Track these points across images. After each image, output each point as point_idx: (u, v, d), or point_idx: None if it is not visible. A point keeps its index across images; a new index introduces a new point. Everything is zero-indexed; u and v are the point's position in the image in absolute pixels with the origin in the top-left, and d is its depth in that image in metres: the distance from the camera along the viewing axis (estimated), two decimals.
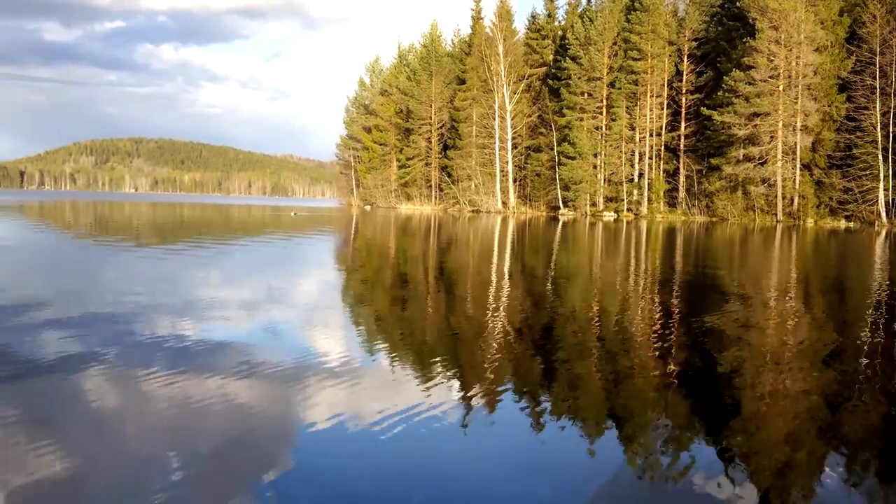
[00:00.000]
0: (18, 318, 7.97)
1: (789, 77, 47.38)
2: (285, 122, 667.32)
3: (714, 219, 51.73)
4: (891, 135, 44.76)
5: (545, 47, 69.53)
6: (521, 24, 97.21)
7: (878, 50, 45.26)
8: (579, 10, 65.86)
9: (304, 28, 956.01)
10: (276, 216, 49.88)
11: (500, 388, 5.71)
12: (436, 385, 5.72)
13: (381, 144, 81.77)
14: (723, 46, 52.02)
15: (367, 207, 77.33)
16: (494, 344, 7.46)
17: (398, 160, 80.00)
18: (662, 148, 58.31)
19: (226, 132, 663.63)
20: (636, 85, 58.02)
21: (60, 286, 11.22)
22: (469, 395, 5.48)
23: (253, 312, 9.06)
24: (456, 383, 5.81)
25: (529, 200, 66.44)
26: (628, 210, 59.28)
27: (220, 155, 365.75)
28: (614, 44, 59.61)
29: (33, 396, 5.16)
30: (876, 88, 45.37)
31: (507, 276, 14.62)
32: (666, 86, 57.50)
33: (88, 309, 8.73)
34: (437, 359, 6.68)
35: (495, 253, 21.06)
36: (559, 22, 69.71)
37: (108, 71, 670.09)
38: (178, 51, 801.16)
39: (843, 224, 46.34)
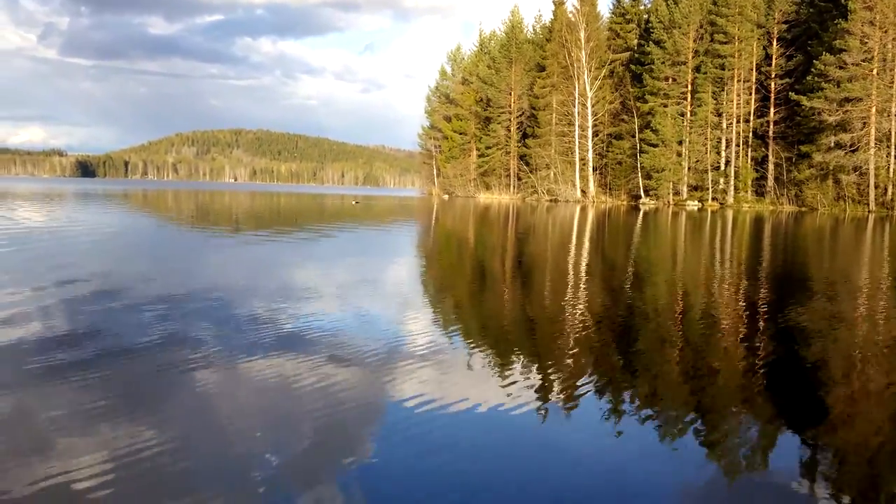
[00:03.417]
0: (118, 299, 8.97)
1: (884, 60, 45.28)
2: (378, 112, 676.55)
3: (803, 208, 50.10)
4: None
5: (629, 31, 68.44)
6: (604, 9, 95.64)
7: None
8: None
9: (397, 20, 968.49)
10: (342, 204, 51.40)
11: (580, 381, 5.84)
12: (518, 376, 5.93)
13: (460, 133, 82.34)
14: (814, 29, 50.05)
15: (446, 197, 78.10)
16: (574, 335, 7.65)
17: (477, 149, 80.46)
18: (750, 135, 56.63)
19: (321, 123, 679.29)
20: (723, 69, 56.54)
21: (169, 270, 12.51)
22: (549, 387, 5.66)
23: (342, 299, 9.86)
24: (537, 375, 5.99)
25: (609, 189, 65.78)
26: (713, 199, 57.89)
27: (315, 146, 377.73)
28: (700, 27, 58.24)
29: (141, 374, 5.71)
30: None
31: (586, 267, 15.09)
32: (754, 70, 55.82)
33: (188, 291, 9.75)
34: (519, 349, 7.09)
35: (574, 243, 21.48)
36: (645, 5, 68.52)
37: (209, 64, 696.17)
38: (276, 44, 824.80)
39: None
